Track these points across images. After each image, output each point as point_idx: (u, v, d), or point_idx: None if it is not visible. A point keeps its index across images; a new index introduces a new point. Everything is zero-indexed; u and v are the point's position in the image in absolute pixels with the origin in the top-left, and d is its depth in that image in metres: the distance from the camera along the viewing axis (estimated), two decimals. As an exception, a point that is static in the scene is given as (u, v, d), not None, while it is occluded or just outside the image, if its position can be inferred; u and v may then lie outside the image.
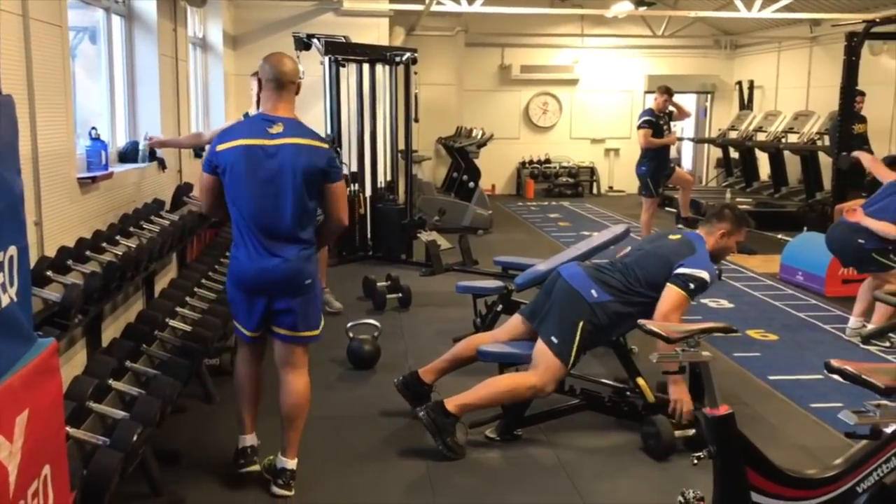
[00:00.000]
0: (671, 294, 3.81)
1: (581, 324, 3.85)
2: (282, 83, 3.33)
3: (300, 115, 3.46)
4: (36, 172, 3.62)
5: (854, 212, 5.55)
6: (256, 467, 3.54)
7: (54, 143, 3.86)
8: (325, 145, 3.41)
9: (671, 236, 4.15)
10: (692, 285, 3.82)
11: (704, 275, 3.85)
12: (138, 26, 5.77)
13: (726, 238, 4.08)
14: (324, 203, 3.41)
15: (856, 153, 6.97)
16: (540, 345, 3.91)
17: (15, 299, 1.87)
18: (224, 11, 9.02)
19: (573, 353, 3.84)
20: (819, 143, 10.48)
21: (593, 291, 3.90)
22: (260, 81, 3.44)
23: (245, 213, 3.30)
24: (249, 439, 3.58)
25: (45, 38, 3.77)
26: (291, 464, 3.47)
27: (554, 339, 3.87)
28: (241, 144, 3.28)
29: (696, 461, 2.62)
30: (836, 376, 2.47)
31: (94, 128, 4.63)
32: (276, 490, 3.44)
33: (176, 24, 6.38)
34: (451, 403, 3.84)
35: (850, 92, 8.27)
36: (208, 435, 4.04)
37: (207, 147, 3.68)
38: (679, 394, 3.85)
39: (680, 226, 9.07)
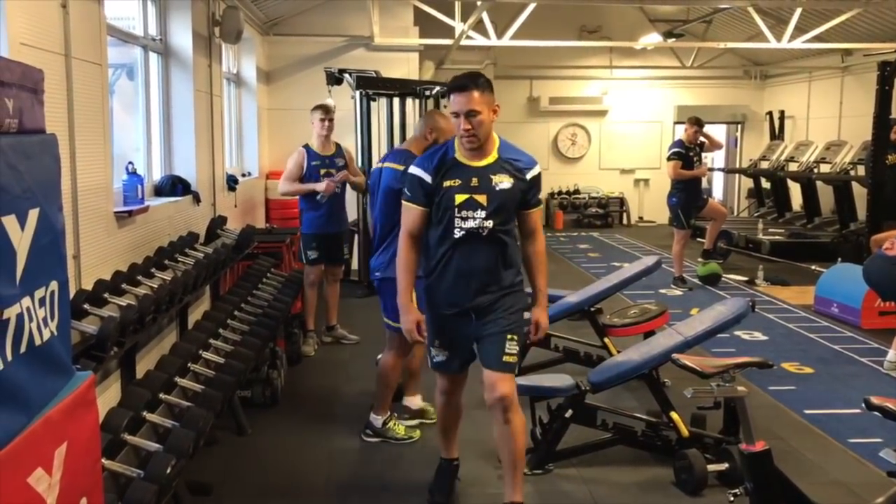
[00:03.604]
0: None
1: None
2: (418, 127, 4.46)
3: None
4: (75, 207, 3.69)
5: (894, 245, 5.45)
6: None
7: (93, 177, 3.95)
8: (400, 167, 4.05)
9: None
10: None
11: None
12: (174, 63, 5.91)
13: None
14: None
15: None
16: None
17: (55, 333, 1.91)
18: (258, 47, 9.20)
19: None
20: (852, 172, 10.37)
21: None
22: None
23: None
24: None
25: (85, 76, 3.88)
26: (373, 418, 4.40)
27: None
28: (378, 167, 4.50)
29: (732, 498, 2.59)
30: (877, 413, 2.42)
31: (130, 162, 4.73)
32: (362, 437, 4.40)
33: (211, 60, 6.52)
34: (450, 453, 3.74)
35: (882, 121, 8.20)
36: (240, 467, 4.06)
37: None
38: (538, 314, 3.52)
39: (701, 259, 8.99)
